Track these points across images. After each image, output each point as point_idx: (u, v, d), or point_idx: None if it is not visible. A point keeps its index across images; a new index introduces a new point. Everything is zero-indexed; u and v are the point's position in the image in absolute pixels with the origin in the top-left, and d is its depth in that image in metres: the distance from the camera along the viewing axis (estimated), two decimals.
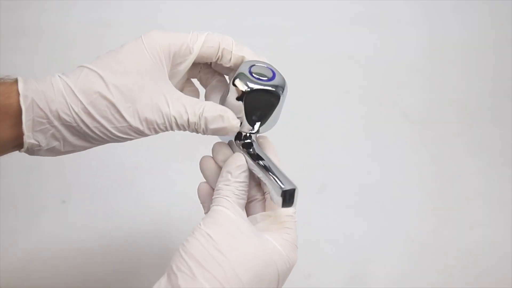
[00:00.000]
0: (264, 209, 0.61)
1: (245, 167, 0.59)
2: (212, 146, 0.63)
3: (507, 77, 1.09)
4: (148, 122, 0.57)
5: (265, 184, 0.58)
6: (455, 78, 1.09)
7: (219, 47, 0.61)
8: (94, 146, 0.59)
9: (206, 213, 0.62)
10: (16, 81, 0.55)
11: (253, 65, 0.60)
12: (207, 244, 0.53)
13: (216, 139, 0.66)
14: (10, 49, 1.07)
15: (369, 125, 1.03)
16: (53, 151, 0.58)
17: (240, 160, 0.59)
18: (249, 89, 0.58)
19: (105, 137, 0.57)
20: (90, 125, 0.56)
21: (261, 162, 0.59)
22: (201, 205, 0.63)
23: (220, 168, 0.62)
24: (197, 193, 0.63)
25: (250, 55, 0.62)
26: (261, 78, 0.59)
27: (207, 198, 0.62)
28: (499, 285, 0.88)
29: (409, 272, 0.88)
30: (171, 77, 0.60)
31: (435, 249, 0.90)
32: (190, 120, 0.57)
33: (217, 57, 0.61)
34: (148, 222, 0.90)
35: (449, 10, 1.16)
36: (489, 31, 1.14)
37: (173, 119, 0.57)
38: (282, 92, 0.60)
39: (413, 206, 0.94)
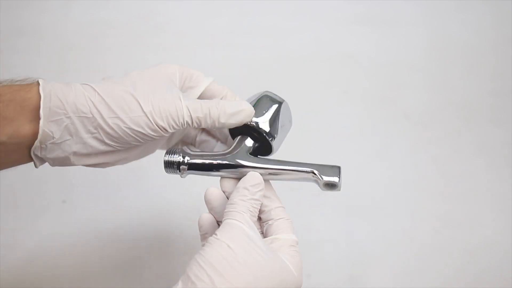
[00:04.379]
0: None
1: (262, 186, 0.59)
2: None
3: (507, 77, 1.08)
4: (161, 110, 0.58)
5: (309, 174, 0.61)
6: (455, 78, 1.09)
7: (224, 90, 0.66)
8: (101, 153, 0.61)
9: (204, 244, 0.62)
10: (37, 81, 0.58)
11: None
12: (227, 254, 0.52)
13: None
14: (10, 49, 1.07)
15: (369, 125, 1.03)
16: (61, 159, 0.59)
17: (257, 178, 0.59)
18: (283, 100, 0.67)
19: (117, 131, 0.57)
20: (105, 115, 0.57)
21: (285, 164, 0.62)
22: (200, 234, 0.62)
23: (226, 200, 0.62)
24: (198, 223, 0.62)
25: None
26: None
27: (210, 229, 0.61)
28: (499, 285, 0.88)
29: (409, 272, 0.88)
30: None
31: (435, 249, 0.90)
32: (205, 106, 0.59)
33: (221, 97, 0.66)
34: (148, 222, 0.90)
35: (449, 10, 1.16)
36: (489, 31, 1.14)
37: (185, 110, 0.59)
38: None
39: (413, 206, 0.94)
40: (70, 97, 0.56)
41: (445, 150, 1.00)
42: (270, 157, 0.65)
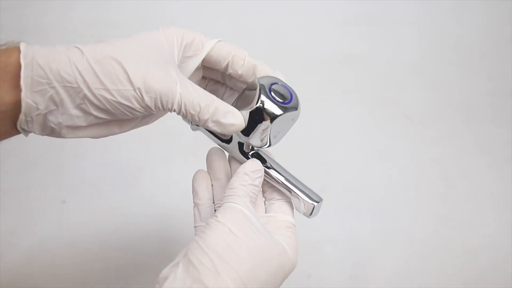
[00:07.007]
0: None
1: (262, 173, 0.60)
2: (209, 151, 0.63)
3: (507, 77, 1.09)
4: (152, 90, 0.54)
5: (288, 192, 0.60)
6: (455, 78, 1.09)
7: (230, 52, 0.60)
8: (90, 125, 0.57)
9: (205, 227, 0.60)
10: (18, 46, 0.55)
11: (274, 83, 0.59)
12: (229, 239, 0.52)
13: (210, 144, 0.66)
14: None
15: (369, 125, 1.03)
16: (49, 131, 0.56)
17: (258, 165, 0.59)
18: (278, 114, 0.58)
19: (104, 103, 0.54)
20: (92, 85, 0.54)
21: (278, 172, 0.61)
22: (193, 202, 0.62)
23: (228, 165, 0.63)
24: (192, 184, 0.62)
25: (262, 65, 0.61)
26: (282, 101, 0.59)
27: (205, 194, 0.62)
28: (499, 285, 0.88)
29: (409, 272, 0.88)
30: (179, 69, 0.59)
31: (435, 249, 0.90)
32: (196, 102, 0.55)
33: (227, 63, 0.60)
34: (148, 222, 0.91)
35: (448, 10, 1.16)
36: (489, 31, 1.14)
37: (178, 98, 0.55)
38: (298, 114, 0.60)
39: (413, 206, 0.94)
40: (54, 64, 0.53)
41: (445, 150, 1.00)
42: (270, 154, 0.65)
